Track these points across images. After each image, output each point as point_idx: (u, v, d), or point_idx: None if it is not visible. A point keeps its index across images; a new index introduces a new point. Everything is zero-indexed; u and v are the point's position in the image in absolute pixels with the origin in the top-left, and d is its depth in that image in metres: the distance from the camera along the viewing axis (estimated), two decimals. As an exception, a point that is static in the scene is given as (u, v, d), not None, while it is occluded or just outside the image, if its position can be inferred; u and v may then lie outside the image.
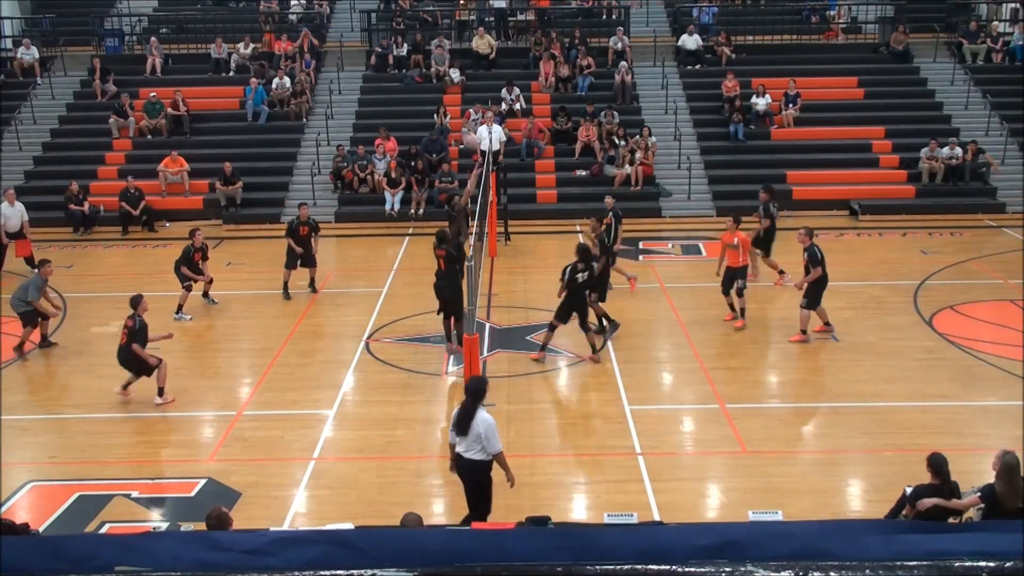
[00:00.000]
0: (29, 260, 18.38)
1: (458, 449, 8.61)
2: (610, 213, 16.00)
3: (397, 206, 22.34)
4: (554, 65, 25.95)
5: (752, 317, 15.48)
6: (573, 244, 20.04)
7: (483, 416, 8.53)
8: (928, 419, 11.65)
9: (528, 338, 14.37)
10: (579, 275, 13.12)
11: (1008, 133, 23.90)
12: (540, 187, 23.26)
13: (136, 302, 12.48)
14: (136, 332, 12.22)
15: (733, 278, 14.75)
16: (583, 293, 13.39)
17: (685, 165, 23.03)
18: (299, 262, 16.66)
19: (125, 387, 12.41)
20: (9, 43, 28.22)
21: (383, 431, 11.58)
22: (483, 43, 26.88)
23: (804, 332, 14.14)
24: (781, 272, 16.72)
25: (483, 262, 16.00)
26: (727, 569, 2.46)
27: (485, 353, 13.73)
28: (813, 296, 14.07)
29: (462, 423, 8.52)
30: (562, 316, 13.34)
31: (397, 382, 12.98)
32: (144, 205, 21.98)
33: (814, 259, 13.94)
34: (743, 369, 13.32)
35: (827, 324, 14.37)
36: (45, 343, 14.54)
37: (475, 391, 8.67)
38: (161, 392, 12.35)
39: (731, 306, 14.93)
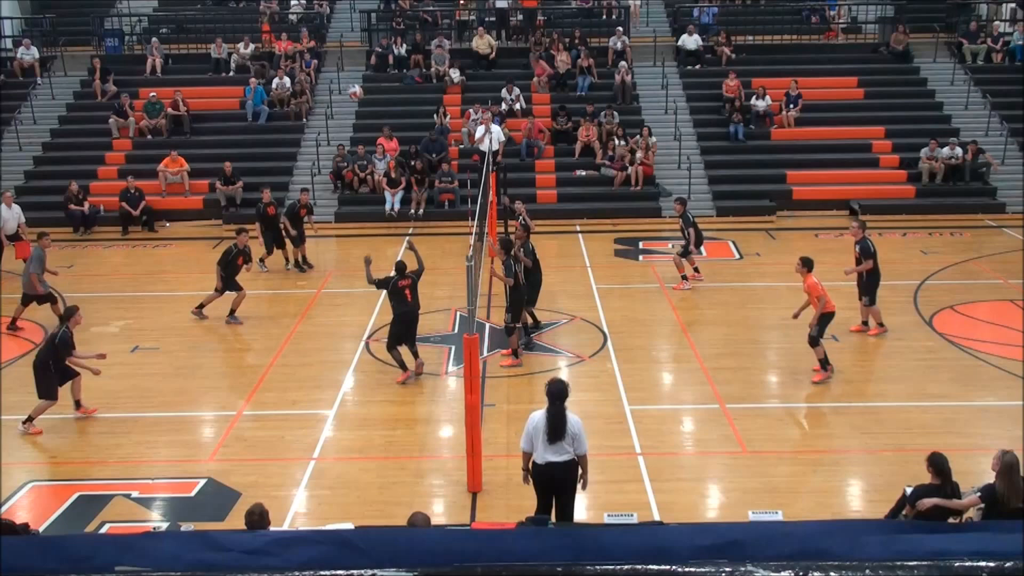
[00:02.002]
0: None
1: (550, 458, 8.29)
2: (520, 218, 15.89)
3: (397, 206, 22.33)
4: (549, 61, 25.84)
5: (751, 317, 15.50)
6: (573, 244, 20.19)
7: (572, 416, 8.40)
8: (928, 419, 11.65)
9: (528, 337, 14.35)
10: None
11: (1008, 133, 23.90)
12: (540, 187, 23.26)
13: (69, 313, 11.86)
14: (56, 341, 11.53)
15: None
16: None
17: (685, 165, 23.03)
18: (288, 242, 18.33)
19: (28, 420, 11.57)
20: (9, 43, 28.23)
21: (383, 431, 11.58)
22: (483, 43, 26.88)
23: (882, 324, 14.35)
24: (684, 277, 16.77)
25: (483, 262, 15.99)
26: (727, 569, 2.46)
27: (485, 353, 13.73)
28: (872, 292, 14.18)
29: (558, 428, 8.24)
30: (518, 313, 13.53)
31: (397, 382, 12.98)
32: (144, 205, 21.99)
33: (866, 252, 14.02)
34: (743, 369, 13.32)
35: (865, 324, 14.45)
36: (12, 327, 15.08)
37: (561, 393, 8.38)
38: (29, 420, 11.55)
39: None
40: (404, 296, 12.85)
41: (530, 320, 14.50)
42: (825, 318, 12.62)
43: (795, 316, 13.12)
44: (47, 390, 11.57)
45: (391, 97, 26.30)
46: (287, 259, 18.50)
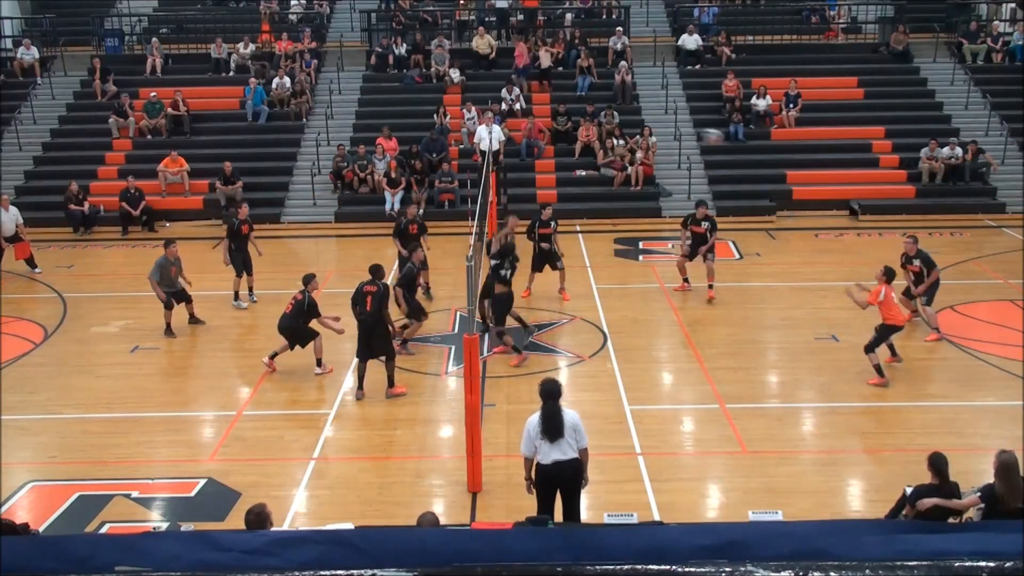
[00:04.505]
0: (29, 261, 18.43)
1: (556, 456, 8.26)
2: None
3: (397, 206, 22.32)
4: (529, 50, 25.85)
5: (751, 317, 15.50)
6: (573, 244, 20.16)
7: (567, 411, 8.43)
8: (928, 419, 11.65)
9: (528, 338, 14.36)
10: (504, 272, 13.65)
11: (1008, 133, 23.90)
12: (540, 187, 23.26)
13: (308, 280, 13.16)
14: (305, 307, 12.95)
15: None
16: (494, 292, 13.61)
17: (685, 165, 23.03)
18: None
19: (272, 356, 13.23)
20: (9, 43, 28.23)
21: (383, 431, 11.58)
22: (483, 43, 26.88)
23: (937, 330, 14.29)
24: (686, 280, 16.56)
25: (483, 262, 15.97)
26: (727, 569, 2.46)
27: (485, 353, 13.73)
28: (931, 294, 14.28)
29: (555, 427, 8.23)
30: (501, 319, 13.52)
31: (397, 382, 12.96)
32: (144, 205, 21.98)
33: (930, 262, 14.16)
34: (743, 369, 13.32)
35: (937, 330, 14.38)
36: (193, 319, 15.36)
37: (553, 392, 8.43)
38: (320, 363, 13.20)
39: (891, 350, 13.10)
40: (365, 303, 12.27)
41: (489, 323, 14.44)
42: (885, 329, 12.59)
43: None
44: (307, 337, 13.17)
45: (391, 97, 26.31)
46: (250, 289, 16.49)
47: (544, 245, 15.97)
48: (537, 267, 16.16)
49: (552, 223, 16.08)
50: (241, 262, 16.22)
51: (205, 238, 21.21)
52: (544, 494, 8.48)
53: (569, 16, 28.41)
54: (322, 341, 13.24)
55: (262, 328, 15.41)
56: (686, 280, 16.55)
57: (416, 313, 13.94)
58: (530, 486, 8.52)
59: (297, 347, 13.24)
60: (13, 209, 18.58)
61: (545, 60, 25.97)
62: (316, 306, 13.09)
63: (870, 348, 12.58)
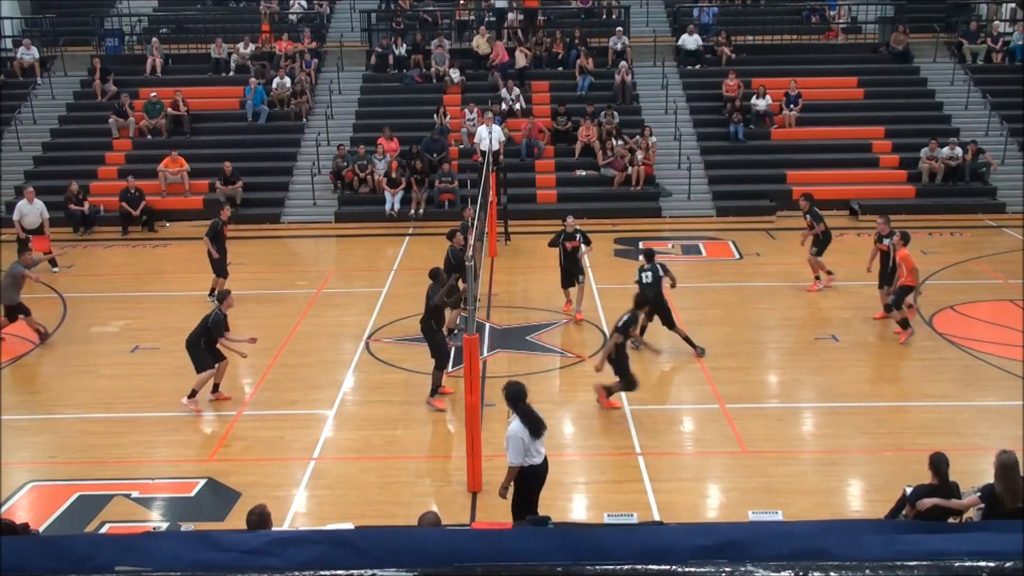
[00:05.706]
0: (52, 261, 18.46)
1: (543, 451, 8.48)
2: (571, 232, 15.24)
3: (397, 206, 22.34)
4: (508, 50, 25.92)
5: (752, 317, 15.51)
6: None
7: (535, 410, 8.59)
8: (928, 419, 11.65)
9: (528, 338, 14.37)
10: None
11: (1008, 133, 23.90)
12: (540, 187, 23.26)
13: (223, 297, 12.37)
14: (209, 323, 12.02)
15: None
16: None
17: (685, 165, 23.04)
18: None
19: (215, 389, 12.37)
20: (9, 43, 28.22)
21: (383, 431, 11.58)
22: (483, 43, 26.87)
23: (911, 305, 14.85)
24: (829, 272, 16.49)
25: (483, 262, 15.99)
26: (727, 569, 2.46)
27: (485, 353, 13.73)
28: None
29: (540, 422, 8.43)
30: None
31: (397, 382, 12.97)
32: (144, 205, 21.98)
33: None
34: (743, 369, 13.31)
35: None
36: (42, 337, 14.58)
37: (521, 393, 8.54)
38: (193, 394, 12.09)
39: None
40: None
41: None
42: (904, 290, 13.94)
43: (868, 270, 14.87)
44: (202, 364, 12.11)
45: (391, 97, 26.30)
46: (212, 290, 15.81)
47: (568, 262, 15.13)
48: (568, 282, 15.32)
49: (577, 235, 15.12)
50: (224, 264, 16.03)
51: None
52: (532, 494, 8.55)
53: (512, 16, 28.25)
54: (213, 377, 12.27)
55: (262, 328, 15.39)
56: (818, 277, 16.44)
57: (455, 301, 13.74)
58: (504, 493, 8.57)
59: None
60: (38, 202, 18.80)
61: (520, 60, 25.97)
62: (220, 326, 12.02)
63: (889, 309, 14.15)
